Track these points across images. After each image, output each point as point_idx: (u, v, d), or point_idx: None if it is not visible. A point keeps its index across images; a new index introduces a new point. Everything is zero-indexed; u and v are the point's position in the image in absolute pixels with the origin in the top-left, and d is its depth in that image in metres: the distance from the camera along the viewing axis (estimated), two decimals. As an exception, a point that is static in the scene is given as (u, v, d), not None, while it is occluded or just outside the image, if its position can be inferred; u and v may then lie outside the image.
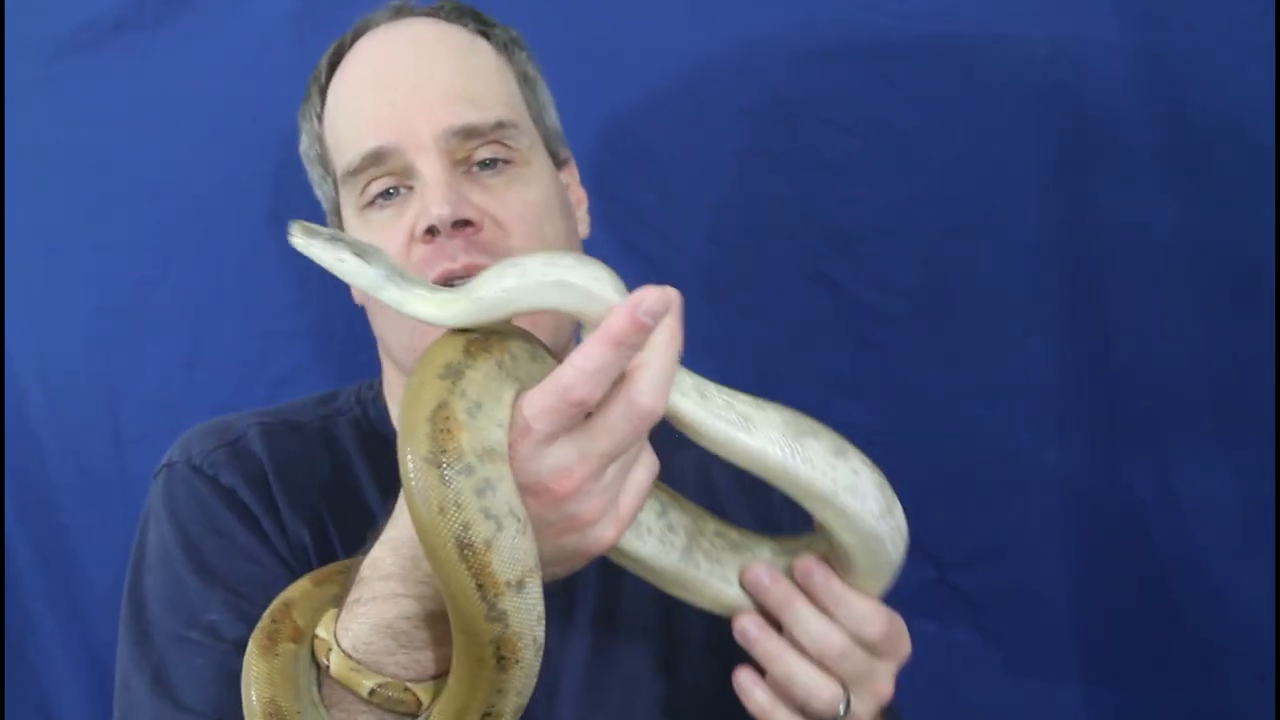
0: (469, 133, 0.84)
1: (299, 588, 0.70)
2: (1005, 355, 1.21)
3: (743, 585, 0.72)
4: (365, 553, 0.67)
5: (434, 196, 0.81)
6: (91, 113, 1.22)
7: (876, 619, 0.70)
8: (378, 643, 0.63)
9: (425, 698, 0.64)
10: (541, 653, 0.60)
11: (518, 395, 0.59)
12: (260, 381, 1.24)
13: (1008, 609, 1.23)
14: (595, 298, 0.59)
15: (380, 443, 0.92)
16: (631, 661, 0.87)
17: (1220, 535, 1.18)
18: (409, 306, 0.62)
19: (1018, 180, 1.19)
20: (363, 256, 0.62)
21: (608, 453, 0.60)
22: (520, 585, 0.57)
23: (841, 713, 0.70)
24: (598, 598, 0.88)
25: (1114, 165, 1.17)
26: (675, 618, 0.88)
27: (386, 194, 0.85)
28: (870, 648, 0.70)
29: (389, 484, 0.66)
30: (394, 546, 0.64)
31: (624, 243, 1.22)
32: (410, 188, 0.84)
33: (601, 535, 0.62)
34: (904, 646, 0.73)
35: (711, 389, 0.64)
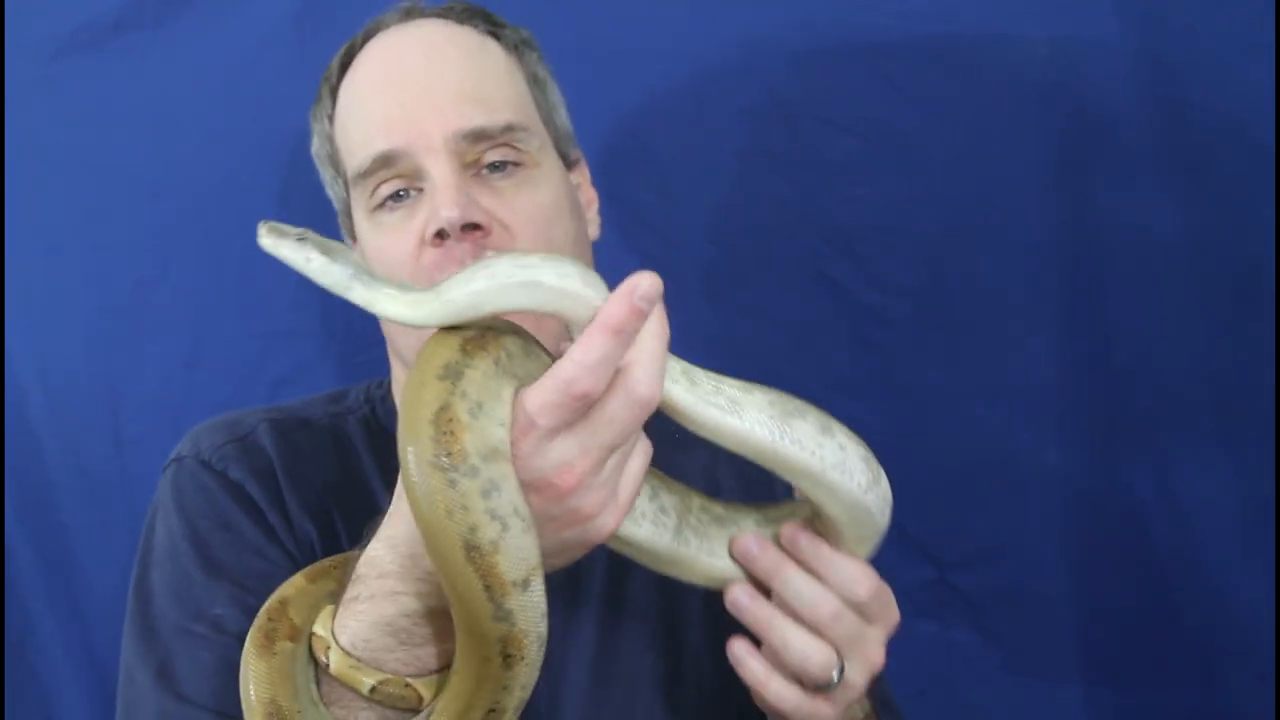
0: (478, 135, 0.84)
1: (294, 585, 0.69)
2: (1005, 355, 1.21)
3: (732, 556, 0.73)
4: (362, 549, 0.67)
5: (443, 200, 0.81)
6: (91, 113, 1.22)
7: (865, 579, 0.71)
8: (377, 640, 0.64)
9: (426, 693, 0.64)
10: (545, 647, 0.60)
11: (516, 392, 0.59)
12: (260, 381, 1.24)
13: (1008, 609, 1.23)
14: (566, 294, 0.59)
15: (388, 441, 0.92)
16: (634, 653, 0.88)
17: (1220, 535, 1.18)
18: (378, 306, 0.62)
19: (1018, 180, 1.19)
20: (329, 255, 0.62)
21: (609, 444, 0.60)
22: (525, 584, 0.57)
23: (835, 679, 0.70)
24: (603, 586, 0.88)
25: (1114, 165, 1.17)
26: (677, 601, 0.89)
27: (396, 196, 0.85)
28: (861, 609, 0.71)
29: (396, 482, 0.66)
30: (392, 544, 0.65)
31: (624, 243, 1.22)
32: (420, 190, 0.84)
33: (603, 526, 0.63)
34: (893, 614, 0.73)
35: (699, 374, 0.65)
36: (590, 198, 0.99)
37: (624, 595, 0.89)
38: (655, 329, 0.60)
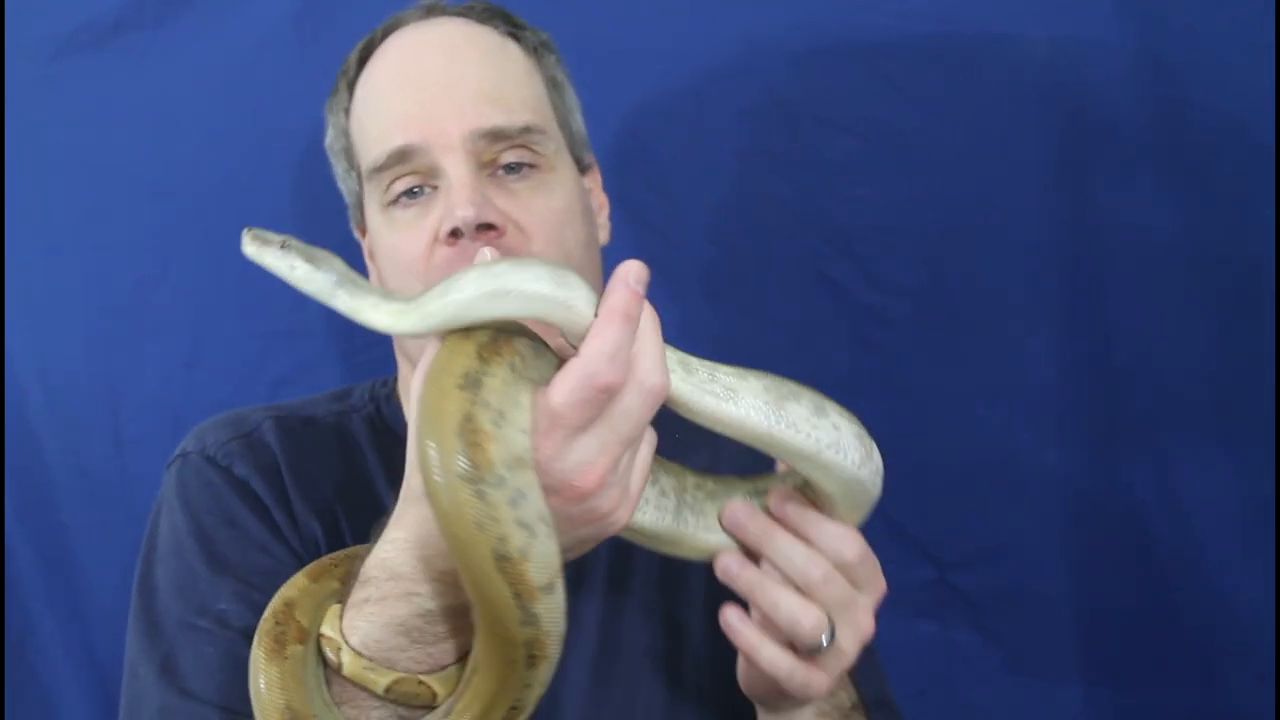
0: (496, 135, 0.84)
1: (297, 585, 0.69)
2: (1005, 355, 1.21)
3: (723, 526, 0.73)
4: (368, 549, 0.67)
5: (459, 199, 0.81)
6: (91, 113, 1.21)
7: (853, 542, 0.71)
8: (390, 640, 0.64)
9: (439, 689, 0.64)
10: (563, 644, 0.60)
11: (532, 396, 0.59)
12: (260, 381, 1.24)
13: (1008, 609, 1.23)
14: (539, 298, 0.59)
15: (393, 439, 0.92)
16: (635, 650, 0.88)
17: (1220, 535, 1.18)
18: (362, 315, 0.63)
19: (1018, 180, 1.19)
20: (313, 263, 0.63)
21: (627, 439, 0.60)
22: (550, 587, 0.57)
23: (825, 642, 0.70)
24: (605, 575, 0.89)
25: (1114, 165, 1.17)
26: (677, 599, 0.89)
27: (411, 193, 0.85)
28: (850, 573, 0.71)
29: (401, 480, 0.66)
30: (403, 547, 0.64)
31: (624, 243, 1.22)
32: (435, 188, 0.84)
33: (617, 521, 0.63)
34: (880, 583, 0.74)
35: (694, 362, 0.65)
36: (601, 202, 0.99)
37: (626, 579, 0.89)
38: (650, 319, 0.61)
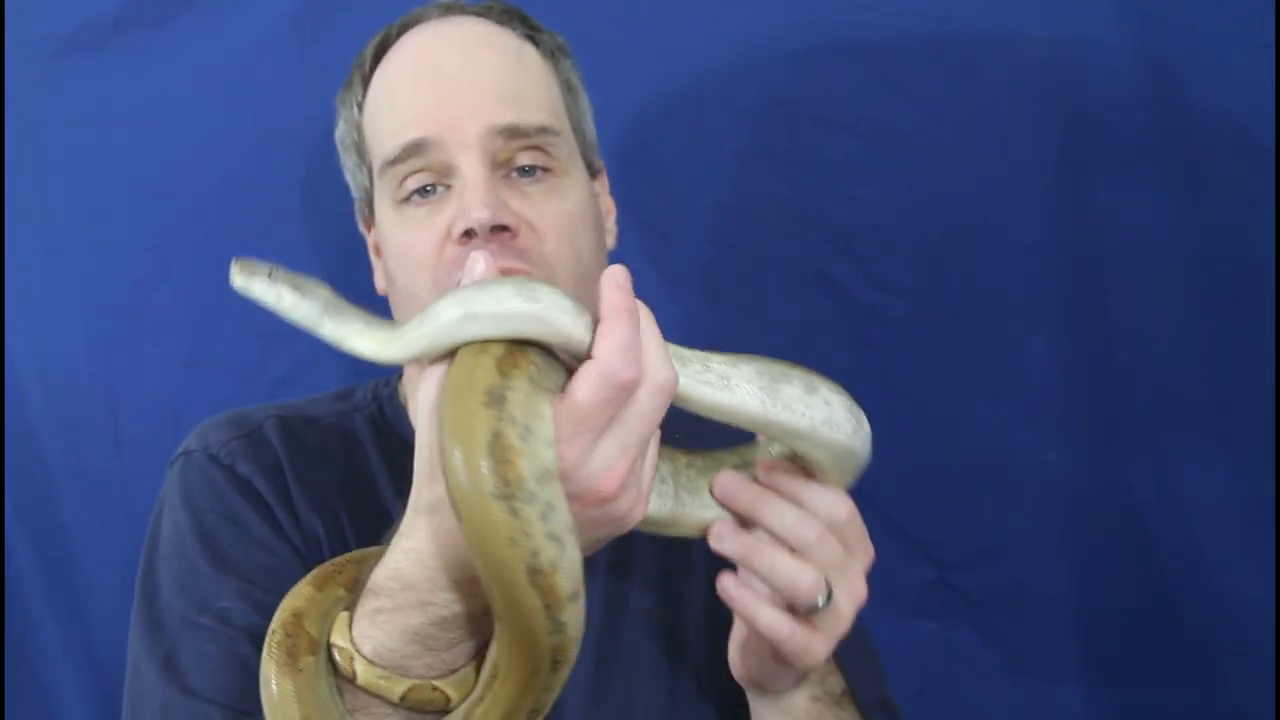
0: (513, 132, 0.84)
1: (303, 594, 0.68)
2: (1005, 355, 1.21)
3: (714, 497, 0.74)
4: (372, 554, 0.67)
5: (474, 200, 0.81)
6: (91, 113, 1.21)
7: (843, 503, 0.72)
8: (404, 648, 0.63)
9: (452, 693, 0.64)
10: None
11: (552, 406, 0.59)
12: (260, 381, 1.24)
13: (1008, 609, 1.23)
14: (511, 315, 0.59)
15: (396, 440, 0.92)
16: (636, 647, 0.88)
17: (1220, 535, 1.18)
18: (348, 343, 0.65)
19: (1018, 180, 1.19)
20: (299, 292, 0.65)
21: (643, 439, 0.61)
22: (576, 595, 0.58)
23: (823, 602, 0.70)
24: (607, 571, 0.89)
25: (1114, 165, 1.17)
26: (676, 587, 0.89)
27: (423, 191, 0.85)
28: (842, 533, 0.72)
29: (404, 480, 0.66)
30: (416, 558, 0.64)
31: (624, 243, 1.22)
32: (448, 186, 0.84)
33: (632, 519, 0.64)
34: (869, 548, 0.74)
35: (686, 354, 0.66)
36: (609, 207, 0.99)
37: (625, 579, 0.89)
38: (647, 317, 0.61)
